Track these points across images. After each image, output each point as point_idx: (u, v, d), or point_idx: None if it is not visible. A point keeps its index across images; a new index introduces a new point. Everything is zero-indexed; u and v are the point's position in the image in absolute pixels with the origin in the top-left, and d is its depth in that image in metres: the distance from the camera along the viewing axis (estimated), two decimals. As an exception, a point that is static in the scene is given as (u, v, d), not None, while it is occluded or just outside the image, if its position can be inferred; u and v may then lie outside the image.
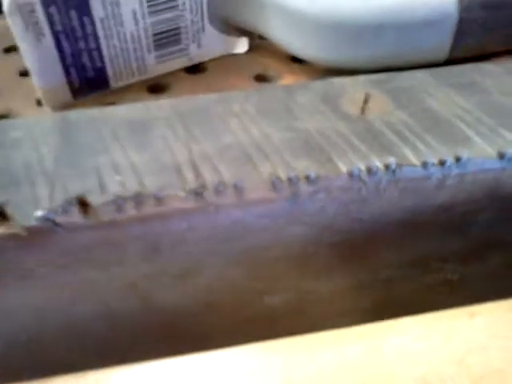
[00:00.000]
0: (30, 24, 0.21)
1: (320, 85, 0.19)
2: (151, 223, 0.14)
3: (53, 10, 0.21)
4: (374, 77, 0.20)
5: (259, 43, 0.27)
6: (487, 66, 0.20)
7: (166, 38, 0.24)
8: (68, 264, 0.15)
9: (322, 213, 0.16)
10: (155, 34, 0.24)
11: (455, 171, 0.15)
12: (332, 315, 0.22)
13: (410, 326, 0.14)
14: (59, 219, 0.14)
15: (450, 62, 0.23)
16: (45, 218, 0.13)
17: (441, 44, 0.24)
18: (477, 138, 0.16)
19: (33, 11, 0.20)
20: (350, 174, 0.15)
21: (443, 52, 0.24)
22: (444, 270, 0.21)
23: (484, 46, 0.24)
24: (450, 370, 0.13)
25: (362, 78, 0.20)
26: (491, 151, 0.16)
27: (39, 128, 0.17)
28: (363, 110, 0.18)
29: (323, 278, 0.20)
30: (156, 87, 0.25)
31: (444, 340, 0.14)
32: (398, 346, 0.14)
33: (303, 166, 0.15)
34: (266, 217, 0.15)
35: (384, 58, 0.23)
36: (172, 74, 0.26)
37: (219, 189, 0.14)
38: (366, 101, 0.18)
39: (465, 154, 0.15)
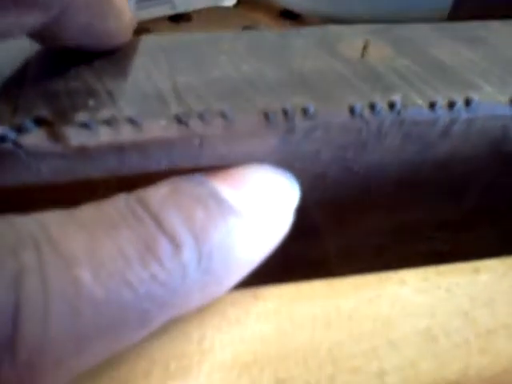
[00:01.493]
0: None
1: (316, 30, 0.18)
2: (127, 154, 0.13)
3: None
4: (373, 26, 0.19)
5: (249, -4, 0.26)
6: (493, 24, 0.19)
7: (149, -19, 0.23)
8: (29, 199, 0.13)
9: (316, 158, 0.14)
10: (137, -25, 0.22)
11: (464, 116, 0.14)
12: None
13: (409, 278, 0.13)
14: (21, 139, 0.12)
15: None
16: (3, 136, 0.12)
17: (441, 4, 0.23)
18: (487, 86, 0.15)
19: None
20: (352, 111, 0.13)
21: (443, 12, 0.23)
22: (435, 240, 0.20)
23: (486, 8, 0.23)
24: (456, 323, 0.12)
25: (360, 26, 0.18)
26: (503, 98, 0.14)
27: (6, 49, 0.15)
28: (363, 55, 0.16)
29: (309, 239, 0.19)
30: (135, 32, 0.23)
31: (447, 293, 0.13)
32: (398, 297, 0.12)
33: (300, 101, 0.13)
34: (255, 157, 0.14)
35: (381, 12, 0.22)
36: (154, 21, 0.24)
37: (206, 117, 0.13)
38: (365, 47, 0.17)
39: (475, 97, 0.14)
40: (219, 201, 0.12)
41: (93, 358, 0.10)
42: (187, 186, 0.12)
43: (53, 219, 0.10)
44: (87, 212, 0.11)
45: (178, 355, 0.11)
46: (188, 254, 0.10)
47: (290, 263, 0.18)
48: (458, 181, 0.17)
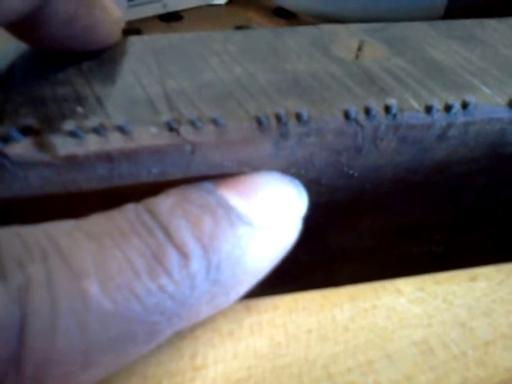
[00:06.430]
0: None
1: (310, 29, 0.18)
2: (117, 163, 0.12)
3: None
4: (367, 25, 0.18)
5: (241, -6, 0.25)
6: (489, 21, 0.19)
7: (139, -21, 0.22)
8: (16, 211, 0.13)
9: (311, 162, 0.14)
10: (127, -28, 0.22)
11: (461, 119, 0.14)
12: (309, 286, 0.20)
13: (405, 287, 0.13)
14: (7, 149, 0.11)
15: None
16: None
17: (436, 1, 0.22)
18: (484, 88, 0.15)
19: None
20: (346, 116, 0.13)
21: (438, 10, 0.22)
22: (431, 242, 0.20)
23: (481, 7, 0.23)
24: (453, 334, 0.12)
25: (354, 25, 0.18)
26: (500, 100, 0.14)
27: None
28: (357, 56, 0.16)
29: (304, 243, 0.19)
30: (126, 32, 0.22)
31: (444, 303, 0.12)
32: (394, 308, 0.12)
33: (293, 105, 0.13)
34: (248, 163, 0.13)
35: (375, 10, 0.22)
36: (145, 20, 0.23)
37: (197, 124, 0.12)
38: (359, 48, 0.17)
39: (472, 100, 0.14)
40: (228, 210, 0.11)
41: (100, 372, 0.10)
42: (195, 194, 0.12)
43: (61, 229, 0.10)
44: (96, 222, 0.11)
45: (170, 372, 0.10)
46: (196, 264, 0.10)
47: (283, 267, 0.18)
48: (455, 183, 0.17)
